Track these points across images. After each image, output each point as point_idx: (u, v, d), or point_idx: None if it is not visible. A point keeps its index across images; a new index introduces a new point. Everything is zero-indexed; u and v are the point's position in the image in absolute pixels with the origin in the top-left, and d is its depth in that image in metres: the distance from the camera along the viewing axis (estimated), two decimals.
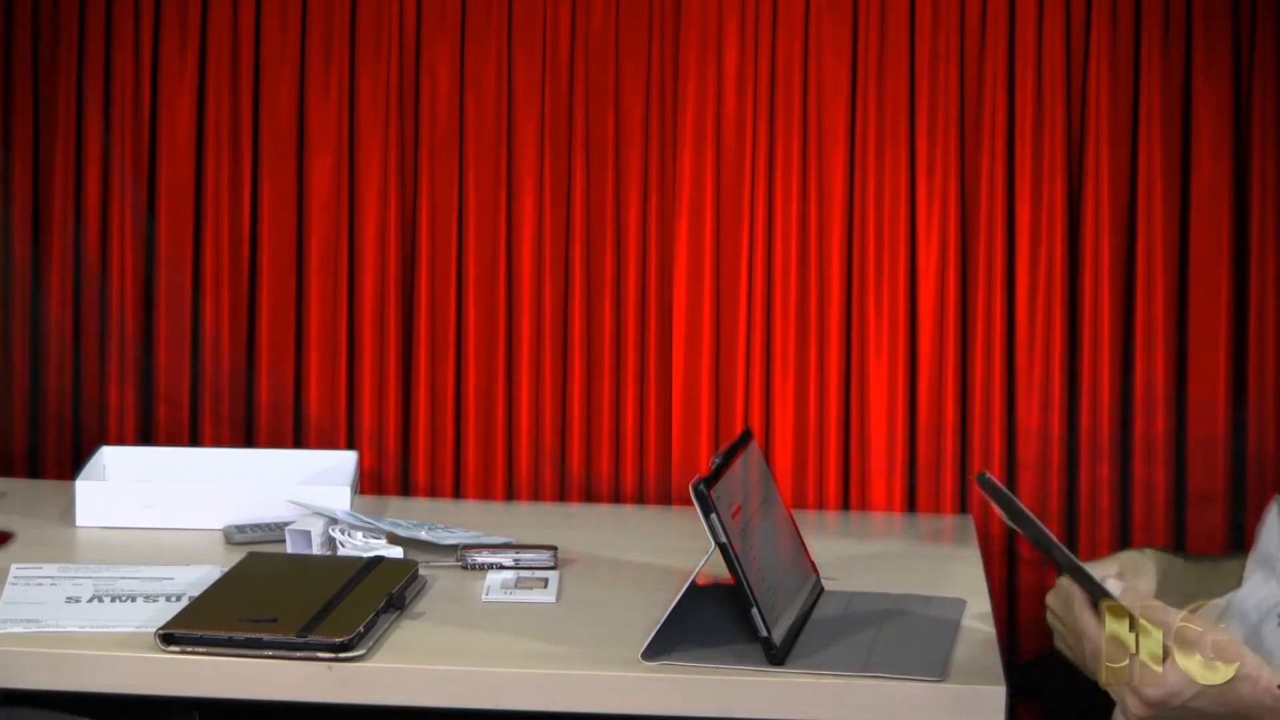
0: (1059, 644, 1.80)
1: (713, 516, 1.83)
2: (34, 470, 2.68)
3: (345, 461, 2.51)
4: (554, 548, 2.23)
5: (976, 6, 2.50)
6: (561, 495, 2.62)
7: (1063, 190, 2.50)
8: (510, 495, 2.62)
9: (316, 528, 2.23)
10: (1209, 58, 2.46)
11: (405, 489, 2.63)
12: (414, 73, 2.59)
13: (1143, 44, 2.47)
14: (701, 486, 1.83)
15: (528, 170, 2.58)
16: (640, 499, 2.61)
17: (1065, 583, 1.75)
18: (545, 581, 2.14)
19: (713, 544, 1.84)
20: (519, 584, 2.14)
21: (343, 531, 2.23)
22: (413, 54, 2.59)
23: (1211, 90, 2.46)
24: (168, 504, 2.35)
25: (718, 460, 1.93)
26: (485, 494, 2.62)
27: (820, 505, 2.57)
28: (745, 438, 2.07)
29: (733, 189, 2.55)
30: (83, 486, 2.36)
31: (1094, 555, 2.46)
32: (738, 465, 1.97)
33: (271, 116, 2.61)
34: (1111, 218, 2.50)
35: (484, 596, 2.09)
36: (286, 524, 2.26)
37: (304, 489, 2.36)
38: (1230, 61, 2.46)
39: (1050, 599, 1.80)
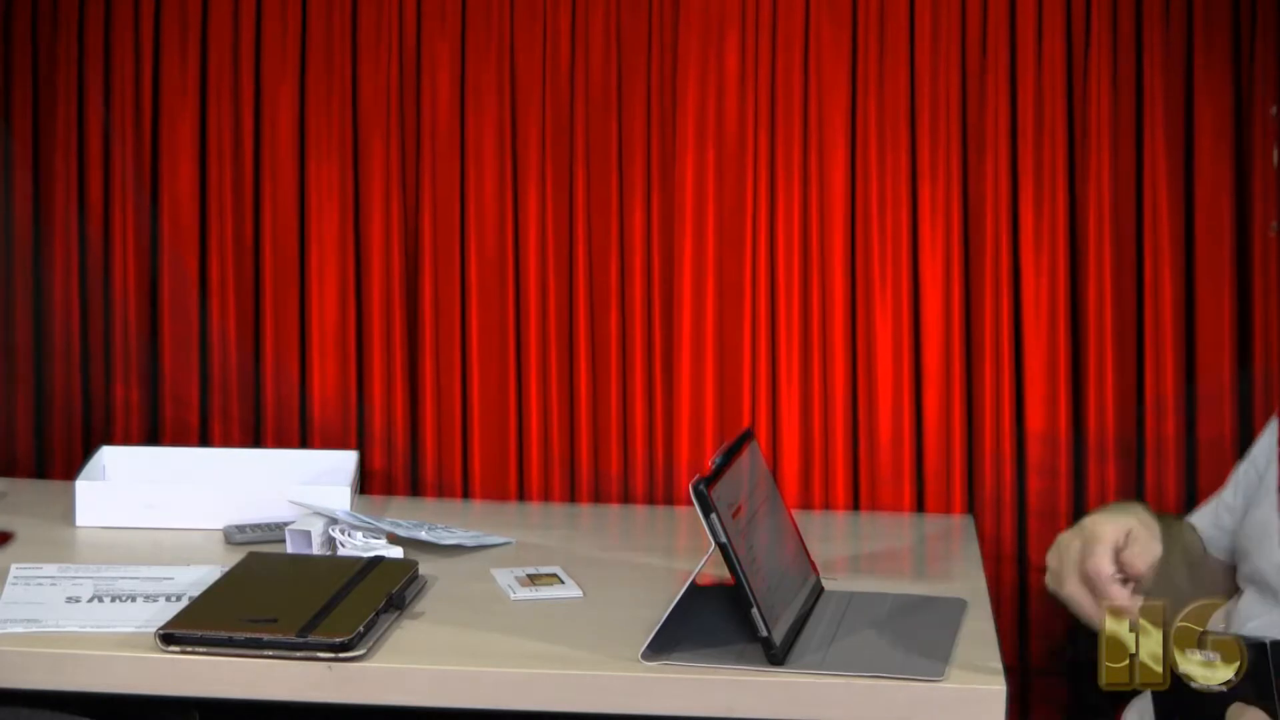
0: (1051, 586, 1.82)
1: (713, 516, 1.82)
2: (41, 473, 2.69)
3: (345, 461, 2.51)
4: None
5: (977, 8, 2.50)
6: (572, 499, 2.62)
7: (1065, 192, 2.50)
8: (521, 500, 2.63)
9: (316, 528, 2.23)
10: (1208, 60, 2.46)
11: (415, 494, 2.64)
12: (414, 76, 2.60)
13: (1144, 45, 2.47)
14: (701, 486, 1.83)
15: (530, 175, 2.59)
16: (650, 502, 2.61)
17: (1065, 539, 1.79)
18: (558, 577, 2.16)
19: (713, 544, 1.84)
20: (534, 580, 2.14)
21: (343, 531, 2.23)
22: (413, 58, 2.59)
23: (1212, 92, 2.46)
24: (168, 504, 2.35)
25: (718, 460, 1.93)
26: (495, 499, 2.62)
27: (828, 508, 2.57)
28: (746, 437, 2.07)
29: (734, 193, 2.55)
30: (83, 486, 2.36)
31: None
32: (738, 465, 1.97)
33: (272, 120, 2.61)
34: (1114, 220, 2.50)
35: (513, 596, 2.09)
36: (286, 524, 2.26)
37: (304, 489, 2.36)
38: (1230, 63, 2.46)
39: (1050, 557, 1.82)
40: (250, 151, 2.63)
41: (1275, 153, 1.94)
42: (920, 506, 2.56)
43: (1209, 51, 2.46)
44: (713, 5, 2.53)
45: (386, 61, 2.59)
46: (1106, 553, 1.74)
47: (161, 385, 2.66)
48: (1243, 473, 2.01)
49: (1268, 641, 1.66)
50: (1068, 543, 1.78)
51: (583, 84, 2.57)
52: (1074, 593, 1.75)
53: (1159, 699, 1.72)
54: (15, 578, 2.09)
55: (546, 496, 2.62)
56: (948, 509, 2.54)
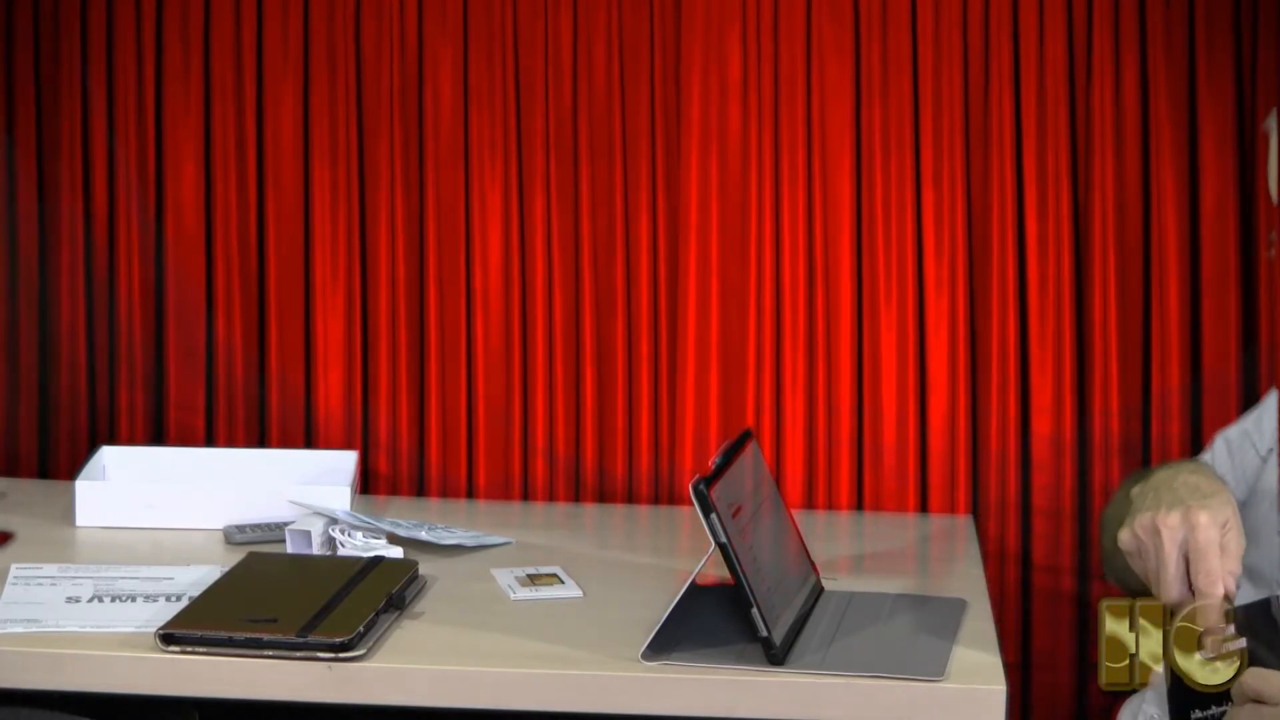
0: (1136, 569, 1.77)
1: (713, 516, 1.82)
2: (45, 479, 2.69)
3: (345, 461, 2.51)
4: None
5: (979, 12, 2.50)
6: (576, 502, 2.63)
7: (1069, 195, 2.50)
8: (525, 503, 2.63)
9: (316, 528, 2.23)
10: (1211, 61, 2.46)
11: (418, 496, 2.64)
12: (416, 79, 2.59)
13: (1148, 45, 2.47)
14: (701, 486, 1.83)
15: (535, 176, 2.59)
16: (655, 506, 2.62)
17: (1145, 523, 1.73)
18: (559, 577, 2.16)
19: (713, 544, 1.84)
20: (534, 580, 2.14)
21: (343, 531, 2.23)
22: (415, 60, 2.59)
23: (1215, 94, 2.46)
24: (168, 504, 2.35)
25: (718, 460, 1.93)
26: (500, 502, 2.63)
27: (831, 509, 2.57)
28: (746, 437, 2.07)
29: (738, 197, 2.55)
30: (83, 486, 2.36)
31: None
32: (738, 465, 1.97)
33: (275, 124, 2.61)
34: (1118, 223, 2.50)
35: (513, 596, 2.10)
36: (286, 524, 2.26)
37: (304, 489, 2.36)
38: (1233, 63, 2.46)
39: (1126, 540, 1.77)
40: (254, 156, 2.63)
41: (1271, 173, 1.93)
42: (924, 508, 2.55)
43: (1211, 52, 2.45)
44: (714, 6, 2.53)
45: (389, 64, 2.59)
46: (1216, 564, 1.69)
47: (166, 391, 2.66)
48: (1237, 444, 1.99)
49: (1272, 597, 1.66)
50: (1167, 529, 1.71)
51: (585, 85, 2.57)
52: (1173, 597, 1.70)
53: (1173, 686, 1.71)
54: (15, 578, 2.09)
55: (551, 500, 2.62)
56: (952, 510, 2.54)
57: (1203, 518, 1.70)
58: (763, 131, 2.54)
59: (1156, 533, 1.72)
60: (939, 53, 2.51)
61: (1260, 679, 1.62)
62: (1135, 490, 1.81)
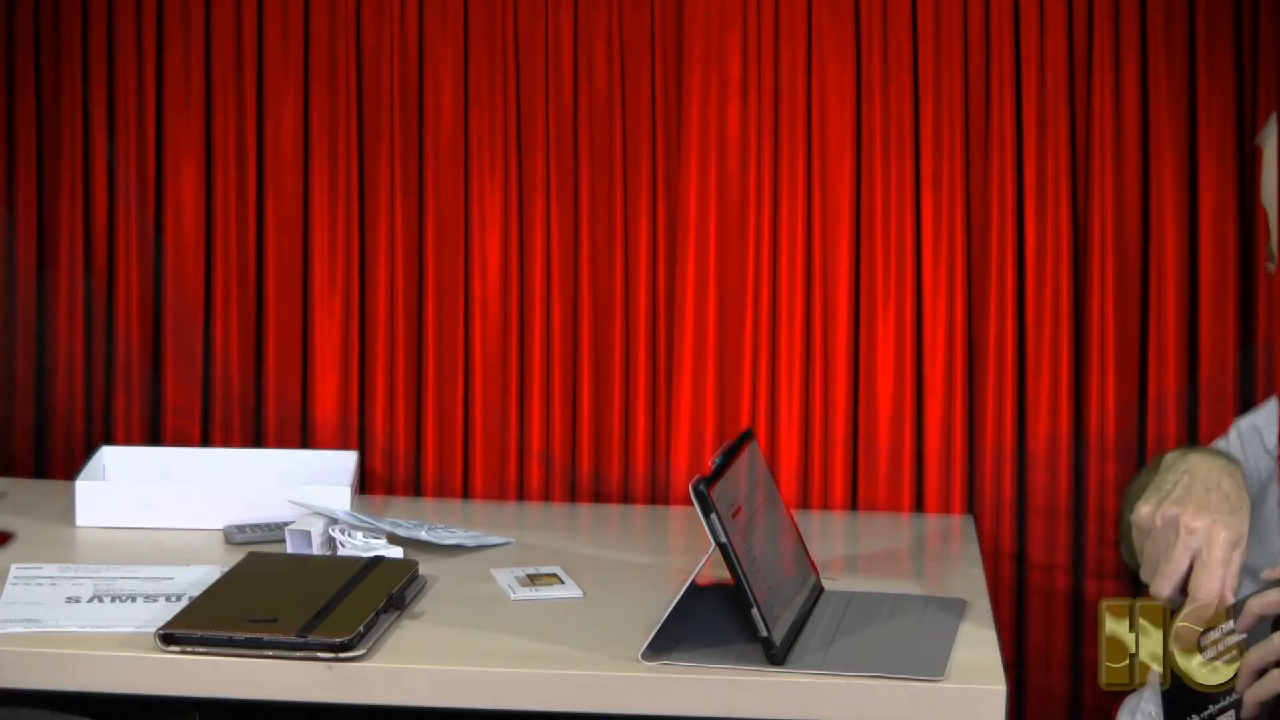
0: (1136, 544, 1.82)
1: (713, 516, 1.82)
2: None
3: (345, 461, 2.51)
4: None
5: (979, 14, 2.50)
6: (572, 502, 2.62)
7: (1068, 198, 2.50)
8: (521, 503, 2.63)
9: (316, 528, 2.23)
10: (1211, 63, 2.46)
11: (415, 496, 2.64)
12: (417, 82, 2.59)
13: (1149, 47, 2.47)
14: (701, 486, 1.83)
15: (535, 178, 2.58)
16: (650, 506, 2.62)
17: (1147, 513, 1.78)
18: (558, 577, 2.16)
19: (713, 544, 1.84)
20: (534, 580, 2.14)
21: (343, 531, 2.23)
22: (415, 63, 2.59)
23: (1215, 99, 2.46)
24: (168, 504, 2.35)
25: (718, 460, 1.93)
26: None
27: (826, 509, 2.57)
28: (746, 437, 2.07)
29: (737, 198, 2.55)
30: (83, 486, 2.36)
31: (1101, 555, 2.48)
32: (738, 465, 1.97)
33: (275, 127, 2.61)
34: (1117, 226, 2.49)
35: (513, 596, 2.09)
36: (286, 524, 2.26)
37: (304, 489, 2.36)
38: (1233, 69, 2.46)
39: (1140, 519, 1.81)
40: (254, 157, 2.62)
41: (1269, 188, 1.94)
42: (919, 508, 2.55)
43: (1211, 52, 2.45)
44: (714, 6, 2.53)
45: (389, 65, 2.59)
46: (1218, 583, 1.73)
47: (163, 397, 2.66)
48: (1249, 437, 2.00)
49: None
50: (1187, 532, 1.74)
51: (586, 86, 2.57)
52: (1164, 594, 1.73)
53: (1169, 693, 1.72)
54: (15, 578, 2.09)
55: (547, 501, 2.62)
56: (947, 511, 2.54)
57: (1223, 536, 1.73)
58: (763, 133, 2.54)
59: (1175, 529, 1.74)
60: (939, 53, 2.51)
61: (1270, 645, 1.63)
62: (1169, 458, 1.83)
